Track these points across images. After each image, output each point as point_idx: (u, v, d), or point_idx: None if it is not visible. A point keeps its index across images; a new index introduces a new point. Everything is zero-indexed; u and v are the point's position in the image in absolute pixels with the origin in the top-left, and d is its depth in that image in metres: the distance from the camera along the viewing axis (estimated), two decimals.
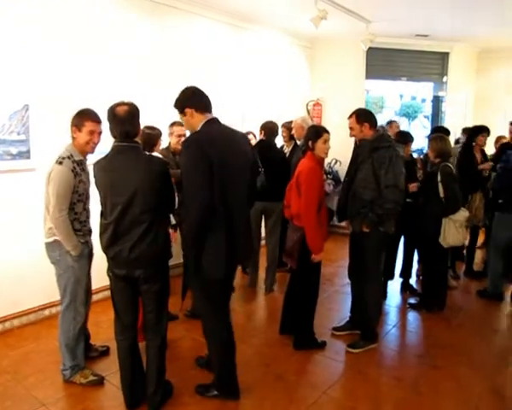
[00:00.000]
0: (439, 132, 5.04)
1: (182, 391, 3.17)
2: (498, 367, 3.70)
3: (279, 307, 4.16)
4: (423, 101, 22.64)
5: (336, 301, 4.92)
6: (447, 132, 5.33)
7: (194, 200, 2.69)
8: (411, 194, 4.61)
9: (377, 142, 3.72)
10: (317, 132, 3.70)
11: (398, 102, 23.65)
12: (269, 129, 4.98)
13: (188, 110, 2.82)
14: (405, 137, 4.87)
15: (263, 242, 5.47)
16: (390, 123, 5.96)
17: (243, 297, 5.02)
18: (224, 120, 2.97)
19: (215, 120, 2.87)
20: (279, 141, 5.42)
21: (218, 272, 2.82)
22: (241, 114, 6.30)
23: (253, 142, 5.19)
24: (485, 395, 3.32)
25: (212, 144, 2.70)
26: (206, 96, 2.89)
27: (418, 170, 4.78)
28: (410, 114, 23.66)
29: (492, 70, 8.38)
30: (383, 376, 3.54)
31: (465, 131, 6.24)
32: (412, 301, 4.87)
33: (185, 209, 2.81)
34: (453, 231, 4.41)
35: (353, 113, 3.85)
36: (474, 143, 5.49)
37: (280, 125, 5.33)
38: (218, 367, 3.11)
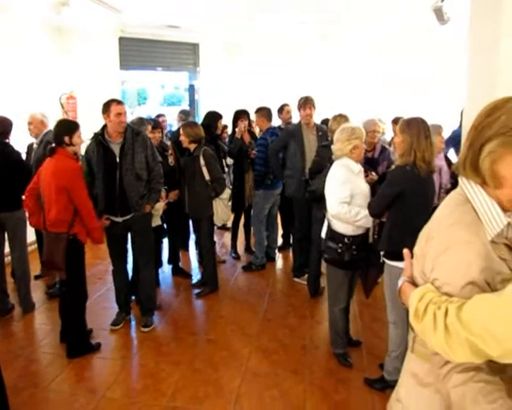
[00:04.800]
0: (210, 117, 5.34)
1: None
2: (262, 328, 4.13)
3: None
4: (186, 90, 23.44)
5: (111, 299, 4.76)
6: (218, 116, 5.55)
7: None
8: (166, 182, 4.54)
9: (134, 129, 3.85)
10: (73, 127, 3.53)
11: (160, 92, 24.00)
12: None
13: None
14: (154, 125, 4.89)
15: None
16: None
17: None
18: None
19: None
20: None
21: None
22: None
23: None
24: (253, 354, 3.69)
25: None
26: None
27: (170, 156, 4.88)
28: (174, 104, 24.30)
29: (238, 60, 9.13)
30: (161, 363, 3.58)
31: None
32: (196, 290, 4.94)
33: None
34: (223, 208, 4.73)
35: None
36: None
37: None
38: None
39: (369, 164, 4.19)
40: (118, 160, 3.78)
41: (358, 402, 3.13)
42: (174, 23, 7.43)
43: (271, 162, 5.10)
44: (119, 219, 3.91)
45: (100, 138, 3.78)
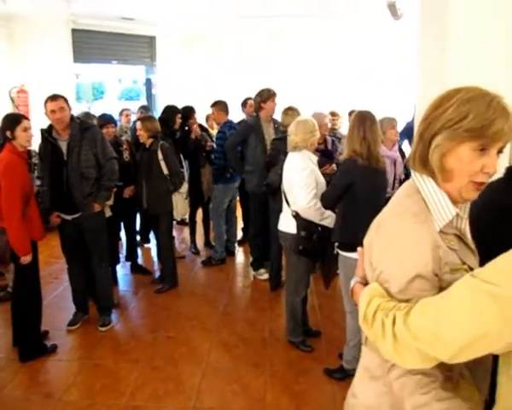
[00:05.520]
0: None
1: None
2: (222, 322, 4.13)
3: None
4: (144, 84, 23.03)
5: (68, 299, 4.63)
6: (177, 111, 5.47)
7: None
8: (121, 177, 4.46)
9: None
10: (15, 120, 3.36)
11: (118, 86, 23.50)
12: None
13: None
14: (104, 120, 4.78)
15: None
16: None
17: None
18: None
19: None
20: None
21: None
22: None
23: None
24: (213, 349, 3.68)
25: None
26: None
27: (124, 151, 4.78)
28: (132, 98, 23.84)
29: (196, 53, 9.04)
30: (120, 362, 3.51)
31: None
32: (159, 286, 4.87)
33: None
34: (182, 203, 4.68)
35: None
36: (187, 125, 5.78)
37: None
38: None
39: (325, 156, 4.24)
40: (65, 158, 3.66)
41: (318, 392, 3.17)
42: (128, 15, 7.25)
43: (229, 156, 5.05)
44: (69, 218, 3.80)
45: (46, 135, 3.65)
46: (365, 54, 8.54)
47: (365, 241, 1.31)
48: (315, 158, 3.45)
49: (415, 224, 1.15)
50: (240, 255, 5.88)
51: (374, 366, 1.26)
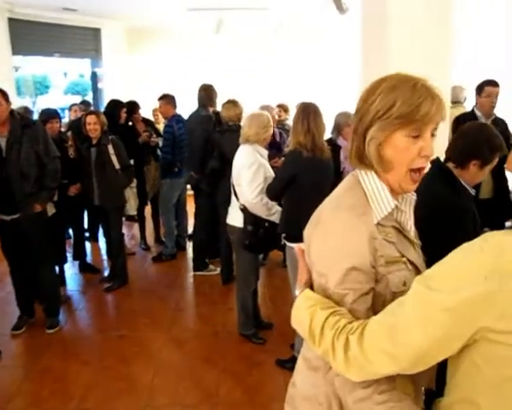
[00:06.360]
0: None
1: None
2: (174, 318, 4.10)
3: None
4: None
5: (11, 303, 4.45)
6: (121, 105, 5.32)
7: None
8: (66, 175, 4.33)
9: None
10: None
11: (63, 80, 22.68)
12: None
13: None
14: (46, 115, 4.60)
15: None
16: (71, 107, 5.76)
17: None
18: None
19: None
20: None
21: None
22: None
23: None
24: (165, 346, 3.65)
25: None
26: None
27: (69, 147, 4.64)
28: (80, 92, 23.08)
29: (143, 46, 8.88)
30: (69, 365, 3.42)
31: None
32: (108, 285, 4.76)
33: None
34: (135, 197, 4.64)
35: None
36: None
37: None
38: None
39: (273, 148, 4.28)
40: (4, 155, 3.49)
41: (271, 383, 3.21)
42: (71, 5, 6.99)
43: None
44: (7, 218, 3.64)
45: None
46: (313, 47, 8.63)
47: (305, 233, 1.29)
48: (265, 152, 3.46)
49: (351, 216, 1.15)
50: (191, 250, 5.82)
51: (313, 357, 1.24)
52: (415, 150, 1.12)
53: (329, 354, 1.08)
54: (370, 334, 1.01)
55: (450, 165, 2.15)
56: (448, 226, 1.93)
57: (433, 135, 1.15)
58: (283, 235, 3.09)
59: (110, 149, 4.41)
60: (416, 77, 1.13)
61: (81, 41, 8.22)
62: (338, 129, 3.92)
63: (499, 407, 0.90)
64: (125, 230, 5.43)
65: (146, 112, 6.63)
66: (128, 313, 4.21)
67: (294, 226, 2.83)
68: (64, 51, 8.11)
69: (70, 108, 6.85)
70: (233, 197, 3.54)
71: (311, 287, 1.24)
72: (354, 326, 1.06)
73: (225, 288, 4.67)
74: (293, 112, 6.14)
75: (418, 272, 1.21)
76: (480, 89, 3.97)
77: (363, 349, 1.00)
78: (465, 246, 0.91)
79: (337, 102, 5.94)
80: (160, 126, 6.30)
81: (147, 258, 5.58)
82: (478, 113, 3.96)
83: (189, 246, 5.82)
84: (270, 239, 3.34)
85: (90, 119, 4.42)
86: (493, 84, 3.89)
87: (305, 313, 1.17)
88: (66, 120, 6.89)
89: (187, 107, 5.59)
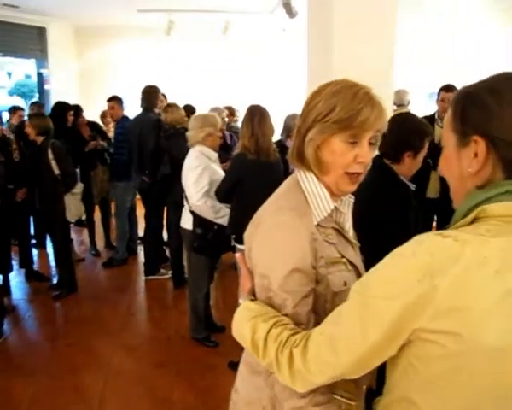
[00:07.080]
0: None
1: None
2: (125, 324, 4.02)
3: None
4: None
5: None
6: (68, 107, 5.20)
7: None
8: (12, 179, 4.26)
9: None
10: None
11: (7, 81, 21.77)
12: None
13: None
14: None
15: None
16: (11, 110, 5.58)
17: None
18: None
19: None
20: None
21: None
22: None
23: None
24: (116, 353, 3.56)
25: None
26: None
27: (14, 151, 4.47)
28: (26, 94, 22.22)
29: (92, 47, 8.67)
30: (13, 377, 3.27)
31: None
32: (56, 293, 4.60)
33: None
34: (76, 204, 4.46)
35: None
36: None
37: None
38: None
39: (224, 150, 4.28)
40: None
41: (224, 386, 3.17)
42: (11, 2, 6.68)
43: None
44: None
45: None
46: (263, 49, 8.72)
47: (246, 235, 1.28)
48: (214, 155, 3.45)
49: (292, 217, 1.15)
50: (142, 254, 5.73)
51: (254, 361, 1.22)
52: (350, 156, 1.14)
53: (274, 366, 1.07)
54: (313, 346, 1.00)
55: (387, 161, 2.19)
56: (388, 220, 1.97)
57: (373, 143, 1.16)
58: (233, 237, 3.10)
59: (49, 153, 4.27)
60: (361, 84, 1.15)
61: (25, 40, 7.89)
62: (287, 131, 3.96)
63: (435, 405, 0.92)
64: (73, 235, 5.29)
65: (96, 114, 6.49)
66: (77, 320, 4.09)
67: (241, 228, 2.84)
68: (6, 50, 7.76)
69: (10, 111, 6.52)
70: (185, 200, 3.52)
71: (254, 294, 1.22)
72: (297, 339, 1.04)
73: (178, 292, 4.61)
74: (240, 114, 6.23)
75: (357, 271, 1.24)
76: (438, 94, 4.13)
77: (306, 362, 1.00)
78: (398, 251, 0.91)
79: (287, 104, 5.99)
80: (110, 128, 6.16)
81: (97, 264, 5.44)
82: (436, 116, 4.11)
83: (141, 250, 5.72)
84: (220, 242, 3.33)
85: (27, 122, 4.36)
86: (447, 89, 4.02)
87: (246, 325, 1.15)
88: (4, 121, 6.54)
89: (134, 109, 5.52)
